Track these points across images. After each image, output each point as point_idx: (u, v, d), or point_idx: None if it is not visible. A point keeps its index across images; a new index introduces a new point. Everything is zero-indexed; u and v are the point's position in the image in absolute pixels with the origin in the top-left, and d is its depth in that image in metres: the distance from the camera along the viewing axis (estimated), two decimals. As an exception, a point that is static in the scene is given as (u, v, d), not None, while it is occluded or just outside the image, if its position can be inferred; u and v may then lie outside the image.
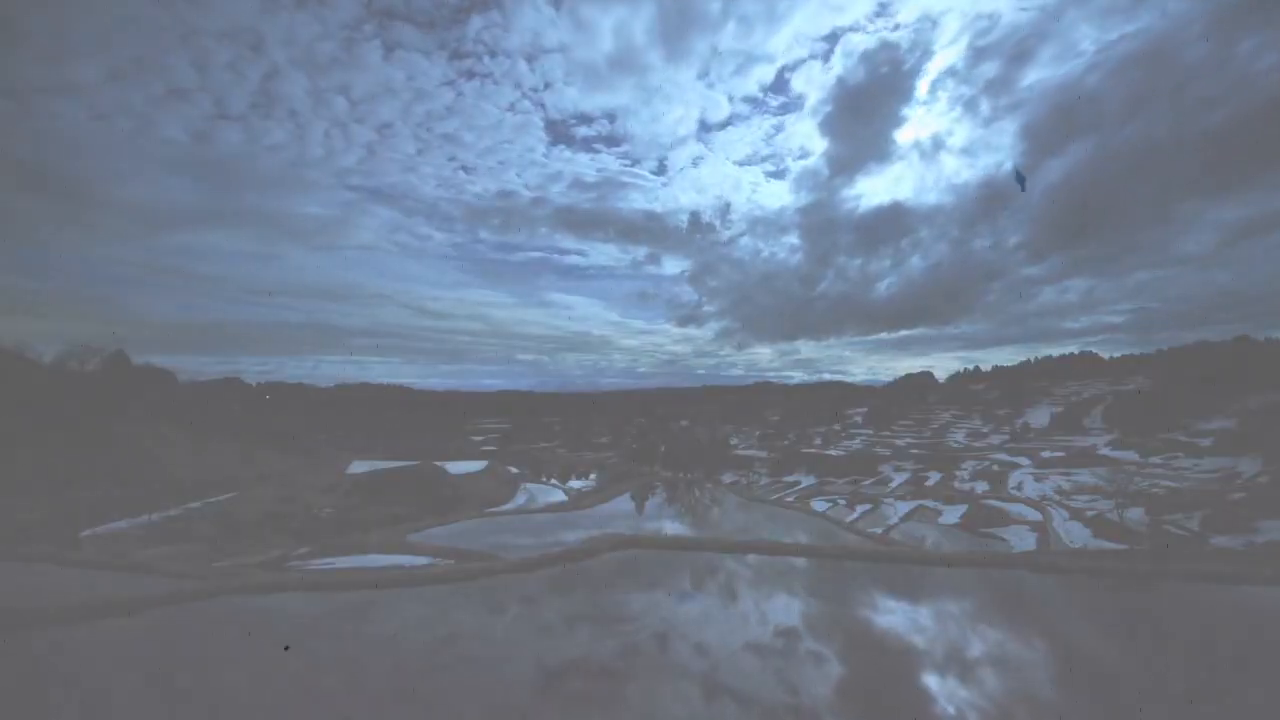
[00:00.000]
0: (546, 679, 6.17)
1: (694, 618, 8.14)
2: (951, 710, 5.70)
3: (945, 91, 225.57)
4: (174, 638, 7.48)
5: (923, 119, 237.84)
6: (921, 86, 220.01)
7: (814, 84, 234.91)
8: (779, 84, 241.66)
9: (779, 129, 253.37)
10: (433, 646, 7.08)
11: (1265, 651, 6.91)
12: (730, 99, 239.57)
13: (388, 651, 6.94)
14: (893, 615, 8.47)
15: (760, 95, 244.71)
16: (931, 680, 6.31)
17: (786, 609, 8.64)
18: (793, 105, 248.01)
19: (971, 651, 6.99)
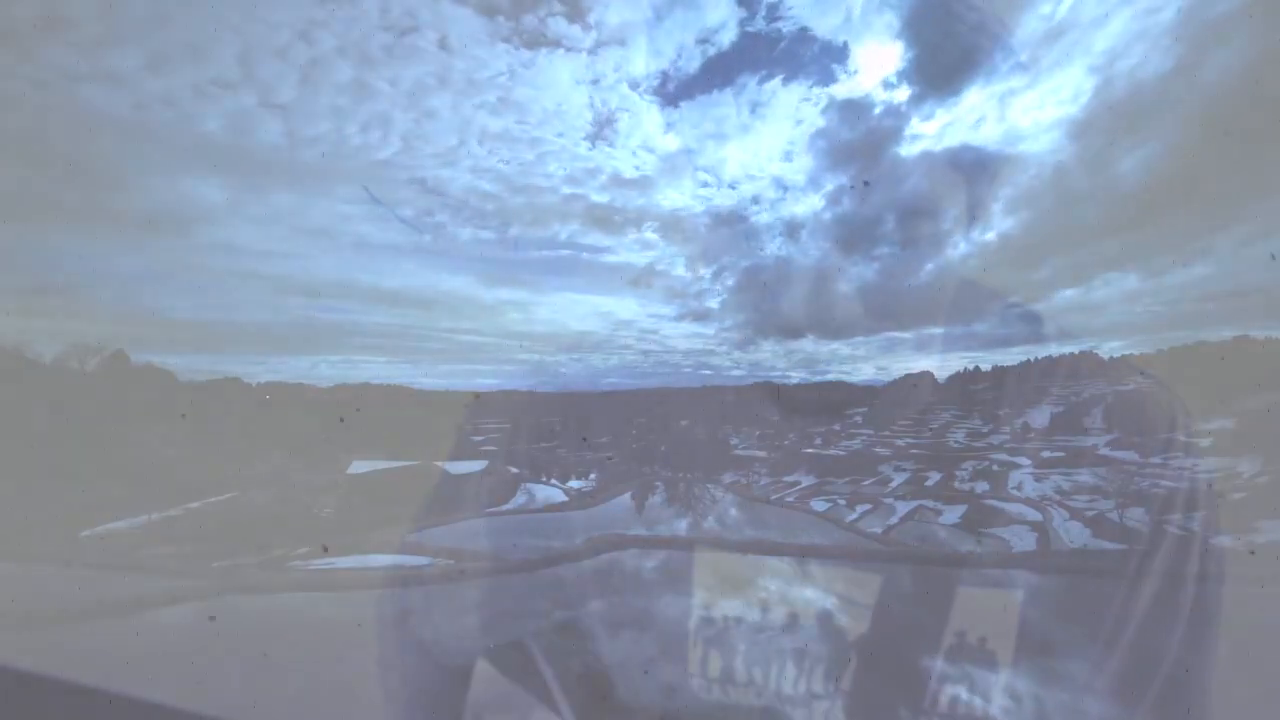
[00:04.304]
0: (576, 684, 6.13)
1: (704, 618, 8.15)
2: (963, 706, 5.71)
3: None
4: (174, 638, 7.46)
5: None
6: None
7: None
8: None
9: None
10: (456, 650, 7.05)
11: (1266, 653, 6.91)
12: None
13: (405, 653, 6.93)
14: (895, 614, 8.49)
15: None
16: (937, 675, 6.31)
17: (792, 609, 8.64)
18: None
19: (975, 650, 6.99)
